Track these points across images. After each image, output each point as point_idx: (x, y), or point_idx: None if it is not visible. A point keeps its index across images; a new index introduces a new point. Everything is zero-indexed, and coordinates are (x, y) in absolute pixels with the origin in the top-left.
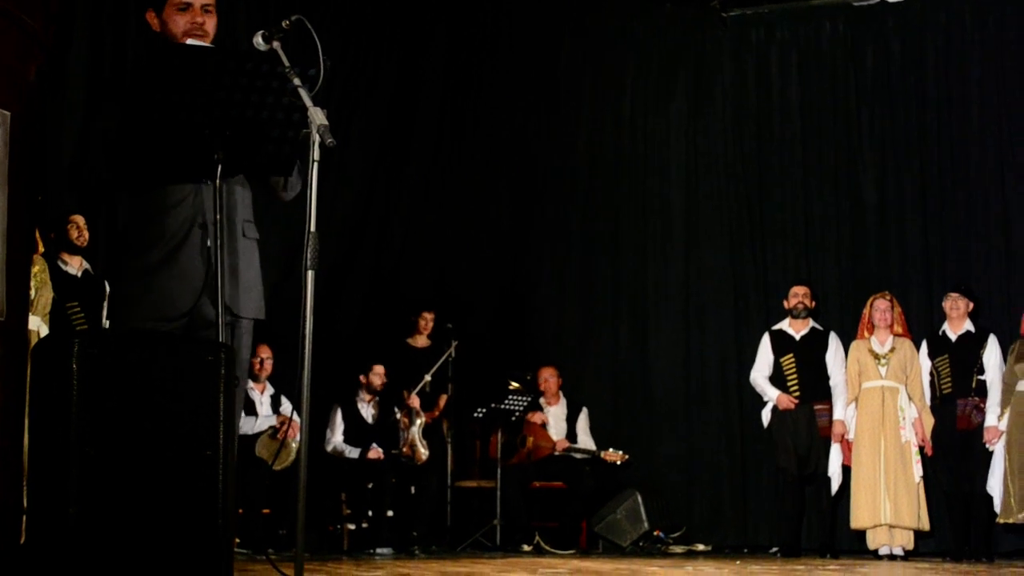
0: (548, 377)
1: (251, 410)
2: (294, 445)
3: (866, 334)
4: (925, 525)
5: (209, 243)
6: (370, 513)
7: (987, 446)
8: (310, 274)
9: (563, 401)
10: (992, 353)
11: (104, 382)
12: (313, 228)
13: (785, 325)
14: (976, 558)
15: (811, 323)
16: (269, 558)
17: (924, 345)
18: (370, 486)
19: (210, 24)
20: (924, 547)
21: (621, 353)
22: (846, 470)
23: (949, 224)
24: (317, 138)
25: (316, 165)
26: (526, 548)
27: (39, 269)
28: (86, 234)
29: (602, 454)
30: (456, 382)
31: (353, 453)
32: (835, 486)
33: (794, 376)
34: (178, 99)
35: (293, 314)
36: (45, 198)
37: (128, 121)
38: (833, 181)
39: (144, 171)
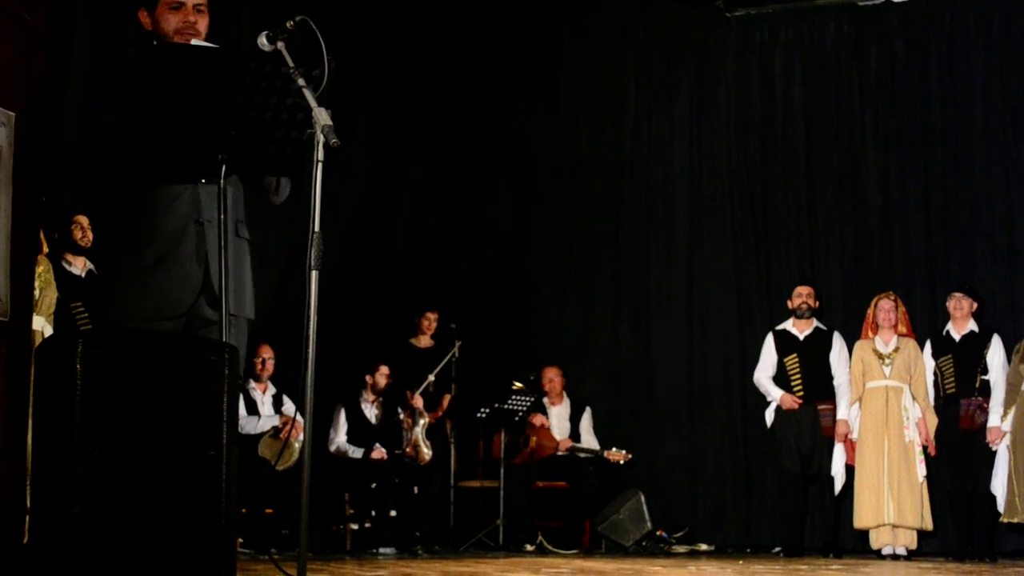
0: (553, 377)
1: (253, 410)
2: (296, 445)
3: (870, 334)
4: (928, 525)
5: (209, 242)
6: (373, 513)
7: (990, 446)
8: (314, 274)
9: (567, 401)
10: (996, 353)
11: (108, 382)
12: (317, 228)
13: (789, 325)
14: (979, 558)
15: (815, 323)
16: (272, 558)
17: (928, 345)
18: (373, 486)
19: (202, 24)
20: (927, 547)
21: (623, 353)
22: (849, 470)
23: (953, 224)
24: (321, 138)
25: (320, 165)
26: (529, 548)
27: (43, 269)
28: (90, 234)
29: (605, 454)
30: (459, 382)
31: (356, 453)
32: (838, 486)
33: (798, 376)
34: (182, 99)
35: (296, 314)
36: (49, 198)
37: (129, 120)
38: (837, 181)
39: (146, 170)
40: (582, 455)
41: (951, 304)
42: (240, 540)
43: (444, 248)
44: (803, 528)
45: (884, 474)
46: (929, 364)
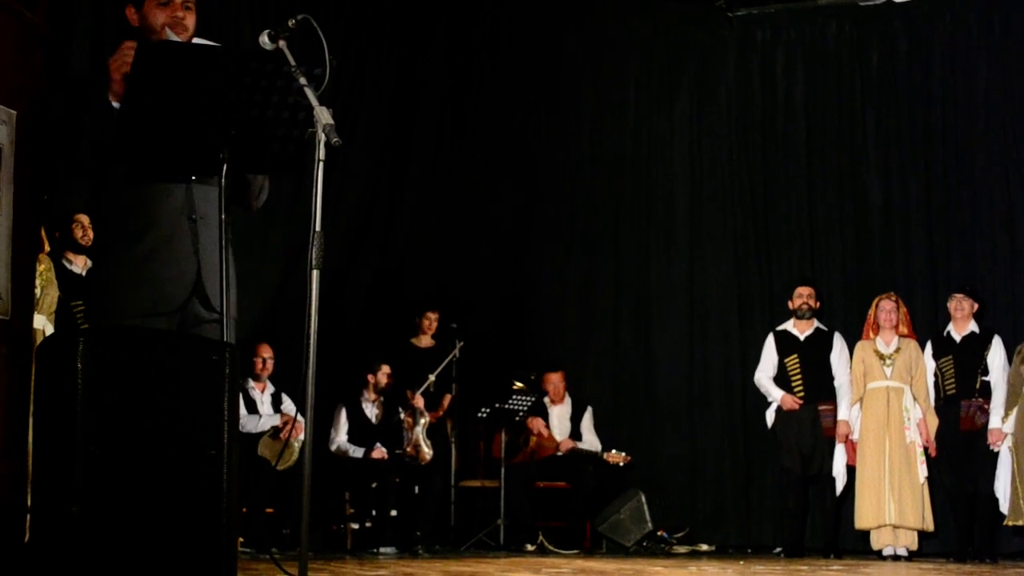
0: (556, 382)
1: (253, 409)
2: (296, 445)
3: (871, 334)
4: (929, 526)
5: (202, 239)
6: (374, 513)
7: (991, 448)
8: (315, 273)
9: (568, 400)
10: (996, 354)
11: (109, 381)
12: (318, 227)
13: (789, 325)
14: (980, 559)
15: (815, 323)
16: (273, 557)
17: (928, 346)
18: (374, 486)
19: (190, 20)
20: (928, 548)
21: (623, 353)
22: (850, 470)
23: (954, 224)
24: (323, 137)
25: (321, 164)
26: (530, 548)
27: (45, 268)
28: (91, 233)
29: (605, 456)
30: (460, 382)
31: (357, 453)
32: (839, 486)
33: (798, 376)
34: (184, 98)
35: (296, 313)
36: (51, 196)
37: (130, 117)
38: (838, 181)
39: (146, 167)
40: (582, 455)
41: (952, 305)
42: (241, 539)
43: (445, 248)
44: (804, 528)
45: (885, 475)
46: (930, 365)
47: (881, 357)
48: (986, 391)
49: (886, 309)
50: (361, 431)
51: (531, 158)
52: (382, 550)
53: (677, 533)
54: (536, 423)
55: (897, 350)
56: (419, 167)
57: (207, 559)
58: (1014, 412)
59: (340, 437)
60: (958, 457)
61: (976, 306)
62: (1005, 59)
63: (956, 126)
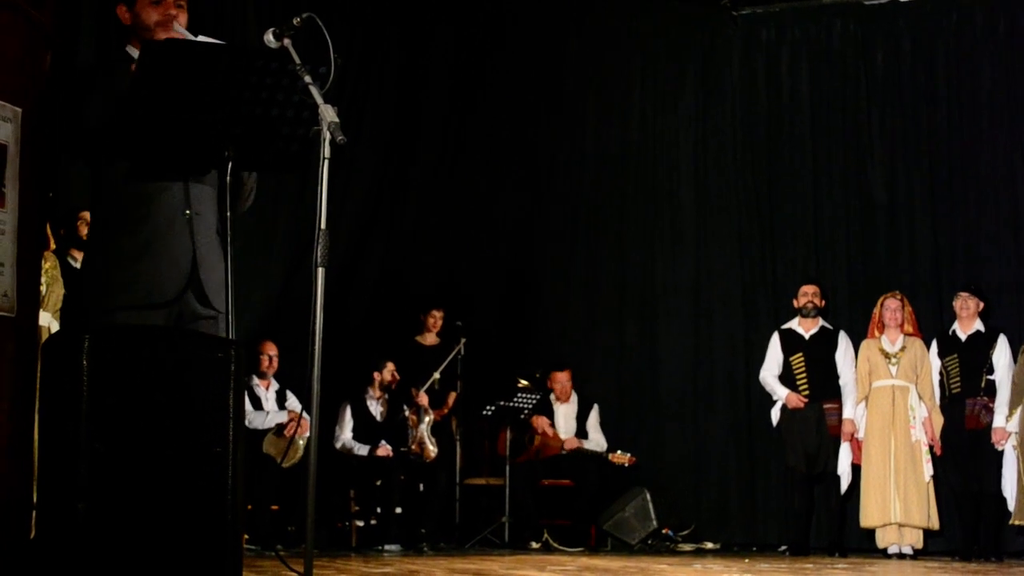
0: (564, 381)
1: (258, 405)
2: (301, 442)
3: (877, 333)
4: (935, 524)
5: (198, 235)
6: (379, 510)
7: (995, 446)
8: (320, 271)
9: (575, 399)
10: (1002, 353)
11: (114, 378)
12: (323, 225)
13: (794, 324)
14: (985, 557)
15: (820, 322)
16: (278, 554)
17: (934, 344)
18: (379, 483)
19: (182, 18)
20: (933, 546)
21: (628, 351)
22: (855, 469)
23: (959, 223)
24: (328, 135)
25: (327, 163)
26: (535, 545)
27: (50, 265)
28: None
29: (610, 456)
30: (465, 379)
31: (362, 450)
32: (844, 485)
33: (803, 375)
34: (188, 96)
35: (302, 311)
36: (55, 194)
37: (134, 115)
38: (843, 180)
39: (149, 164)
40: (587, 455)
41: (957, 304)
42: (246, 536)
43: (449, 246)
44: (809, 527)
45: (890, 473)
46: (935, 363)
47: (886, 356)
48: (991, 390)
49: (891, 308)
50: (366, 429)
51: (535, 157)
52: (387, 547)
53: (682, 531)
54: (540, 422)
55: (902, 349)
56: (424, 165)
57: (212, 556)
58: (1019, 411)
59: (345, 435)
60: (963, 456)
61: (981, 305)
62: (1010, 58)
63: (961, 125)
